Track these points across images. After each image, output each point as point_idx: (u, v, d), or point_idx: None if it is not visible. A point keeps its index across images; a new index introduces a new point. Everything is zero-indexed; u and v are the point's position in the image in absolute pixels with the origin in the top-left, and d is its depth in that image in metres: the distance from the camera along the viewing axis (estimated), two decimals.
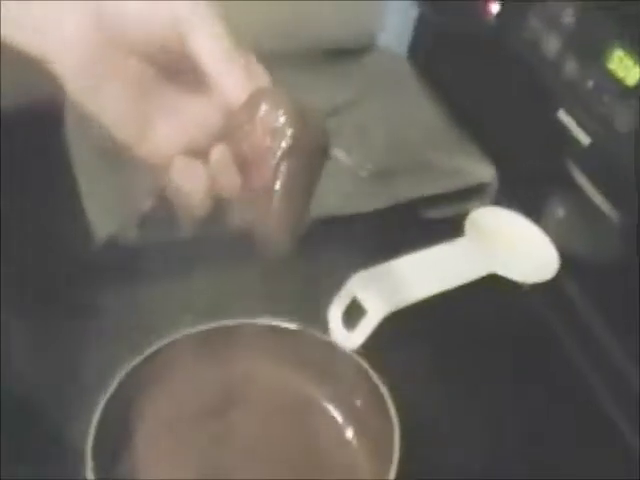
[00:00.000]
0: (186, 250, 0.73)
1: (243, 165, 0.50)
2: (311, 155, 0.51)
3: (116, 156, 0.76)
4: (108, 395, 0.55)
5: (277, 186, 0.49)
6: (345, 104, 0.90)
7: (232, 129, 0.50)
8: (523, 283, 0.77)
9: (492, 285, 0.76)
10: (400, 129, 0.88)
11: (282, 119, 0.49)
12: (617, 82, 0.70)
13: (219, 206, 0.75)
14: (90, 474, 0.51)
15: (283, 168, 0.49)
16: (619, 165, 0.72)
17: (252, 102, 0.49)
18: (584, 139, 0.74)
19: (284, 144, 0.48)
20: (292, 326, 0.61)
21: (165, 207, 0.74)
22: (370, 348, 0.67)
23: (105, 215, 0.72)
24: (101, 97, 0.50)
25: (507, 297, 0.77)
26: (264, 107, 0.49)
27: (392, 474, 0.52)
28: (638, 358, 0.72)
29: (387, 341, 0.69)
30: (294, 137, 0.49)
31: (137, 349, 0.63)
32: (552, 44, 0.78)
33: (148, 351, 0.59)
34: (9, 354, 0.65)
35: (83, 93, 0.50)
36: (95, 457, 0.51)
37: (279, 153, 0.49)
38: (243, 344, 0.61)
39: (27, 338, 0.68)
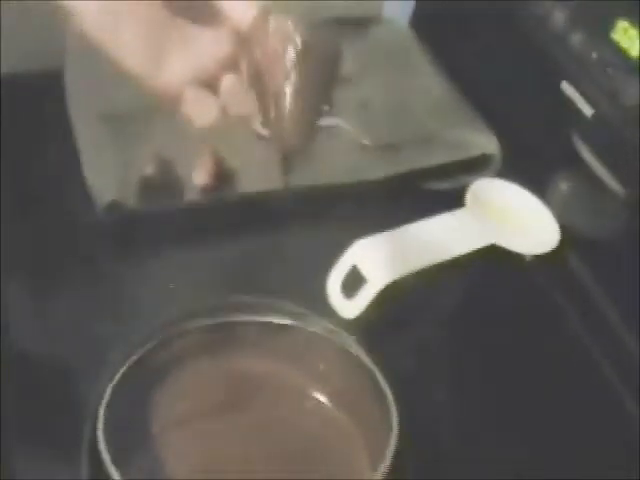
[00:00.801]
0: (187, 217, 0.72)
1: (257, 73, 0.54)
2: (322, 61, 0.55)
3: (116, 122, 0.77)
4: (108, 394, 0.54)
5: (288, 88, 0.53)
6: (349, 76, 0.89)
7: (244, 46, 0.54)
8: (524, 255, 0.77)
9: (493, 257, 0.76)
10: (404, 100, 0.88)
11: (291, 28, 0.53)
12: (621, 53, 0.70)
13: (221, 175, 0.75)
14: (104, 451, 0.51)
15: (294, 72, 0.53)
16: (622, 137, 0.71)
17: (261, 19, 0.53)
18: (588, 111, 0.74)
19: (294, 50, 0.52)
20: (288, 322, 0.61)
21: (166, 173, 0.75)
22: (368, 323, 0.67)
23: (106, 181, 0.72)
24: (118, 32, 0.52)
25: (508, 269, 0.76)
26: (273, 21, 0.53)
27: (387, 461, 0.52)
28: (639, 329, 0.72)
29: (386, 312, 0.69)
30: (303, 43, 0.53)
31: (138, 316, 0.63)
32: (558, 16, 0.78)
33: (148, 346, 0.58)
34: (9, 321, 0.65)
35: (101, 29, 0.52)
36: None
37: (290, 58, 0.52)
38: (241, 340, 0.61)
39: (28, 305, 0.68)
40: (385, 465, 0.50)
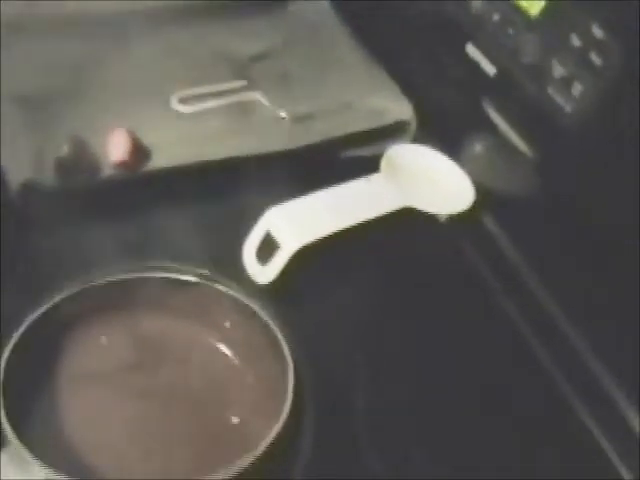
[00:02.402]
0: (102, 194, 0.73)
1: None
2: None
3: (30, 104, 0.77)
4: (11, 346, 0.55)
5: None
6: (269, 50, 0.90)
7: None
8: (439, 215, 0.78)
9: (409, 219, 0.77)
10: (322, 73, 0.89)
11: None
12: (521, 12, 0.71)
13: (137, 152, 0.76)
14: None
15: None
16: (525, 96, 0.73)
17: None
18: (492, 71, 0.75)
19: None
20: (193, 279, 0.61)
21: (82, 152, 0.75)
22: (281, 288, 0.68)
23: (20, 160, 0.73)
24: None
25: (423, 230, 0.78)
26: None
27: (285, 412, 0.53)
28: (551, 284, 0.74)
29: (302, 274, 0.71)
30: None
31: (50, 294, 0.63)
32: None
33: (48, 305, 0.58)
34: None
35: None
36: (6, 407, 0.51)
37: None
38: (144, 297, 0.61)
39: None
40: (283, 417, 0.52)
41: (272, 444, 0.50)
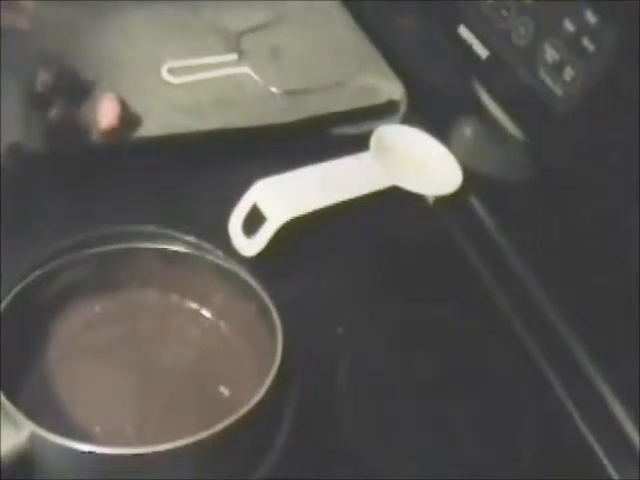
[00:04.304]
0: (91, 159, 0.73)
1: None
2: None
3: (22, 65, 0.77)
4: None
5: None
6: (261, 25, 0.90)
7: None
8: (426, 196, 0.79)
9: (396, 198, 0.78)
10: (314, 49, 0.89)
11: None
12: None
13: (126, 118, 0.76)
14: None
15: None
16: (516, 79, 0.73)
17: None
18: (484, 54, 0.75)
19: None
20: (183, 250, 0.61)
21: (72, 115, 0.75)
22: (267, 263, 0.69)
23: (8, 123, 0.72)
24: None
25: (410, 210, 0.78)
26: None
27: (270, 379, 0.53)
28: (538, 267, 0.74)
29: (287, 252, 0.71)
30: None
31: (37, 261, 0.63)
32: None
33: (32, 277, 0.57)
34: None
35: None
36: None
37: None
38: (135, 268, 0.61)
39: None
40: (267, 383, 0.52)
41: (254, 408, 0.50)
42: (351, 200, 0.74)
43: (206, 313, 0.61)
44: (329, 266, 0.74)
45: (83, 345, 0.58)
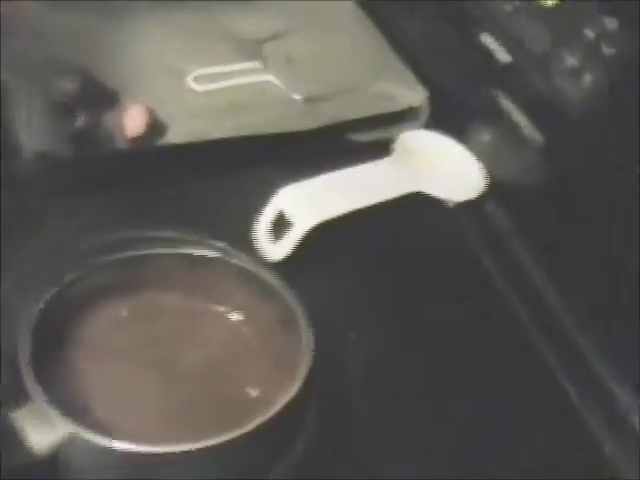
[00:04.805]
0: (117, 165, 0.74)
1: None
2: None
3: (49, 72, 0.78)
4: (36, 314, 0.55)
5: None
6: (281, 33, 0.91)
7: None
8: (448, 201, 0.79)
9: (419, 203, 0.79)
10: (335, 57, 0.90)
11: None
12: (535, 3, 0.73)
13: (151, 125, 0.77)
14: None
15: None
16: (536, 85, 0.74)
17: None
18: (505, 60, 0.76)
19: None
20: (208, 254, 0.62)
21: (97, 123, 0.76)
22: (292, 267, 0.70)
23: (35, 130, 0.74)
24: None
25: (433, 215, 0.79)
26: None
27: (296, 386, 0.54)
28: (556, 275, 0.75)
29: (311, 257, 0.72)
30: None
31: (68, 264, 0.64)
32: None
33: (63, 280, 0.59)
34: None
35: None
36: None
37: None
38: (158, 273, 0.62)
39: None
40: (299, 380, 0.53)
41: (285, 407, 0.51)
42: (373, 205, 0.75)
43: (231, 316, 0.62)
44: (350, 269, 0.75)
45: (110, 347, 0.59)
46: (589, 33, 0.71)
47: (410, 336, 0.70)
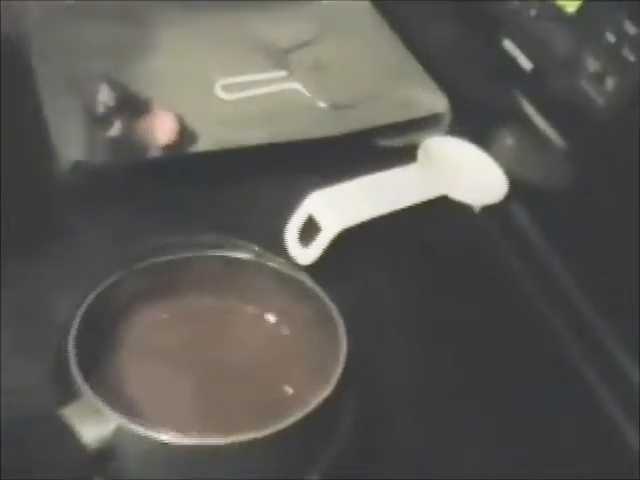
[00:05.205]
0: (150, 173, 0.76)
1: None
2: None
3: (82, 83, 0.80)
4: (80, 315, 0.57)
5: None
6: (306, 41, 0.93)
7: None
8: (473, 206, 0.81)
9: (443, 207, 0.80)
10: (358, 64, 0.91)
11: None
12: (558, 10, 0.74)
13: (182, 133, 0.79)
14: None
15: None
16: (559, 90, 0.76)
17: None
18: (528, 66, 0.78)
19: None
20: (244, 257, 0.64)
21: (131, 132, 0.78)
22: (323, 270, 0.71)
23: (71, 140, 0.76)
24: None
25: (457, 218, 0.80)
26: None
27: (331, 384, 0.56)
28: (582, 276, 0.76)
29: (341, 259, 0.73)
30: None
31: (106, 270, 0.66)
32: None
33: (104, 285, 0.60)
34: None
35: None
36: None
37: None
38: (196, 275, 0.64)
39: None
40: (336, 376, 0.55)
41: (322, 404, 0.53)
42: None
43: (267, 317, 0.64)
44: (378, 271, 0.76)
45: (152, 347, 0.60)
46: (611, 37, 0.72)
47: (440, 334, 0.71)
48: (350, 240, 0.74)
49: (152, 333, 0.60)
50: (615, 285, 0.72)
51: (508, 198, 0.82)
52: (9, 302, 0.65)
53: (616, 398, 0.69)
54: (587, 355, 0.72)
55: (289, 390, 0.59)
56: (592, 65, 0.74)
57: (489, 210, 0.81)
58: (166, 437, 0.51)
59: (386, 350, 0.68)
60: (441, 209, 0.80)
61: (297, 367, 0.60)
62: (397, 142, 0.86)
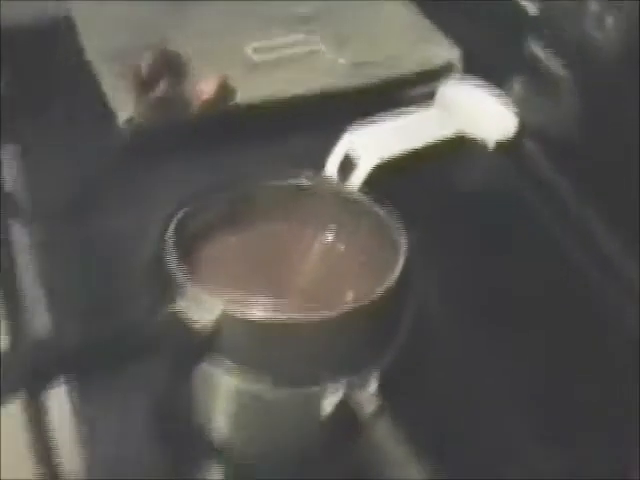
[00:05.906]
0: (194, 128, 0.84)
1: None
2: None
3: (128, 54, 0.88)
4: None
5: None
6: (325, 10, 1.01)
7: None
8: (487, 142, 0.89)
9: (461, 146, 0.88)
10: (375, 27, 1.00)
11: None
12: None
13: (222, 91, 0.87)
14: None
15: None
16: (564, 31, 0.84)
17: None
18: (533, 10, 0.86)
19: None
20: (308, 183, 0.71)
21: (174, 91, 0.86)
22: None
23: (124, 102, 0.84)
24: None
25: (474, 157, 0.88)
26: None
27: (392, 281, 0.62)
28: (595, 204, 0.82)
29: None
30: None
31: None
32: None
33: (180, 214, 0.66)
34: None
35: None
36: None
37: None
38: (262, 204, 0.70)
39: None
40: (396, 272, 0.63)
41: (384, 295, 0.61)
42: (423, 149, 0.84)
43: (329, 235, 0.70)
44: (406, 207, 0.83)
45: (226, 268, 0.68)
46: None
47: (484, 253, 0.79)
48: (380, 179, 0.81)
49: (227, 255, 0.68)
50: (630, 211, 0.78)
51: (520, 134, 0.89)
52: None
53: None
54: (606, 287, 0.77)
55: (350, 293, 0.66)
56: (593, 6, 0.82)
57: (502, 146, 0.89)
58: (259, 316, 0.61)
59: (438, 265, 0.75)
60: (458, 147, 0.87)
61: (358, 277, 0.67)
62: (414, 93, 0.94)
